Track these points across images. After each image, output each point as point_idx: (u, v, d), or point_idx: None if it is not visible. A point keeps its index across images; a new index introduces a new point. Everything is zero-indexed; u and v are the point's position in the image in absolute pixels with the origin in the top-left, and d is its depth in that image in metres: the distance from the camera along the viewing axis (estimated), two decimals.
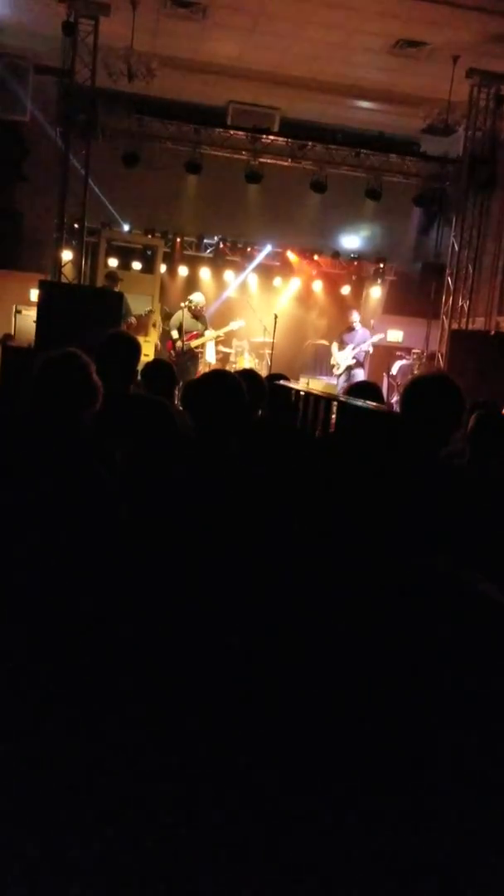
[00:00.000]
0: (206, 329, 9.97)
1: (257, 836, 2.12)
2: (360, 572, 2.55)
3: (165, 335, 11.30)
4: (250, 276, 13.82)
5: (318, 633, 2.59)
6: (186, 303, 10.33)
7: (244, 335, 12.49)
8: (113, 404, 2.90)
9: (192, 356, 9.90)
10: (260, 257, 13.48)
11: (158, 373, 4.65)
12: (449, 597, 2.51)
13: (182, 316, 10.04)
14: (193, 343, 9.86)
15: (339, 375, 11.36)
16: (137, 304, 11.44)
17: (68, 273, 10.90)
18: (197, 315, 9.90)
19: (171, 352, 9.76)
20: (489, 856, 1.98)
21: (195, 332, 9.88)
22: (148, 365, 4.82)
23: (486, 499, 3.04)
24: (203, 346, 10.15)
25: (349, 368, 11.29)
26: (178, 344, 9.79)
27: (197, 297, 10.14)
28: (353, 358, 11.33)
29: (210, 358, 11.84)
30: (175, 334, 9.86)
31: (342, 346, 11.47)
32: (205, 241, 13.44)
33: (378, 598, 2.49)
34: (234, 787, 2.23)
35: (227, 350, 12.25)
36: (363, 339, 11.43)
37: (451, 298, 11.89)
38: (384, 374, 12.31)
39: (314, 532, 2.89)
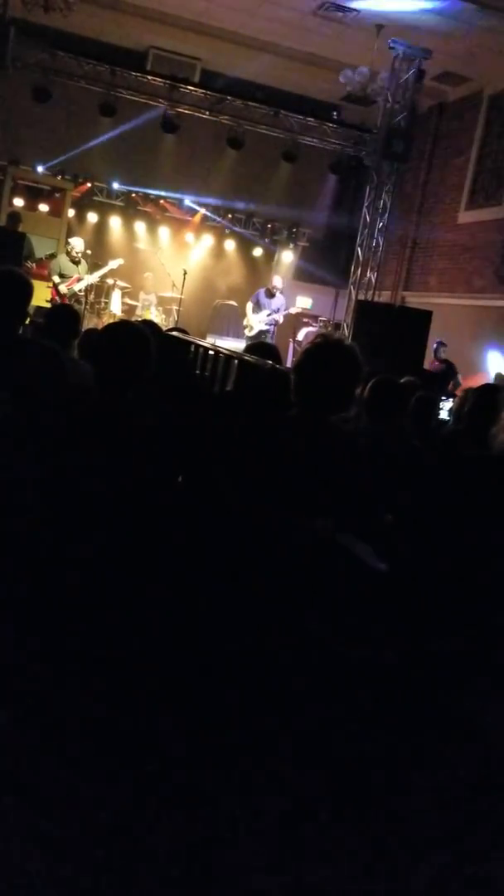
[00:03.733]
0: (86, 273, 9.87)
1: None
2: (240, 529, 2.55)
3: None
4: (161, 230, 13.57)
5: (195, 586, 2.59)
6: (65, 247, 10.20)
7: (152, 289, 12.27)
8: None
9: (77, 301, 9.74)
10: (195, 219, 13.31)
11: (60, 319, 4.49)
12: (324, 558, 2.54)
13: (60, 261, 9.88)
14: (76, 287, 9.71)
15: (251, 338, 11.25)
16: (42, 247, 11.05)
17: None
18: (75, 260, 9.77)
19: (56, 298, 9.57)
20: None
21: (76, 277, 9.75)
22: (52, 310, 4.66)
23: (373, 464, 3.09)
24: (86, 290, 10.03)
25: (262, 333, 11.22)
26: (62, 289, 9.62)
27: (75, 242, 10.00)
28: (268, 324, 11.27)
29: (115, 309, 11.61)
30: (57, 279, 9.69)
31: (258, 308, 11.35)
32: (116, 188, 13.08)
33: (255, 555, 2.50)
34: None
35: (133, 303, 12.03)
36: (279, 307, 11.39)
37: (359, 270, 11.99)
38: (290, 339, 12.38)
39: (198, 487, 2.87)
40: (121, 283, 11.65)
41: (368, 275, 11.86)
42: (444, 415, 6.28)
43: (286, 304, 11.65)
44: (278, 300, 11.37)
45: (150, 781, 2.09)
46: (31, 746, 2.12)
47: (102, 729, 2.20)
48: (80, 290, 9.78)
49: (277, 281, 11.60)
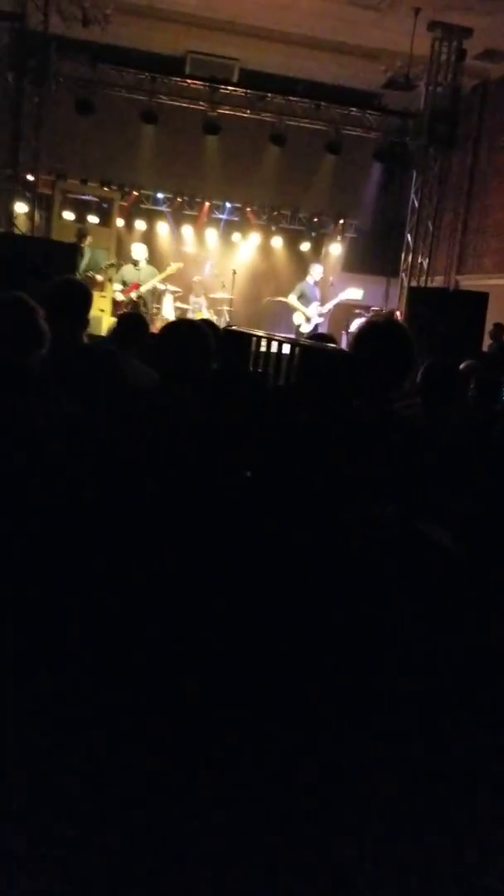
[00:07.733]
0: (149, 279, 9.98)
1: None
2: (311, 520, 2.54)
3: None
4: (209, 231, 13.63)
5: (268, 581, 2.59)
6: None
7: (201, 291, 12.34)
8: (61, 352, 2.83)
9: (135, 308, 9.84)
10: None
11: (125, 325, 4.57)
12: (400, 545, 2.52)
13: (124, 271, 10.05)
14: (133, 294, 9.83)
15: (304, 333, 11.13)
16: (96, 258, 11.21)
17: (21, 226, 10.63)
18: (137, 266, 9.93)
19: (123, 307, 9.74)
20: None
21: (135, 283, 9.88)
22: (119, 317, 4.78)
23: (437, 448, 3.05)
24: (144, 296, 10.12)
25: (318, 326, 11.12)
26: (117, 296, 9.81)
27: (135, 248, 10.14)
28: (321, 315, 11.16)
29: (168, 314, 11.71)
30: (118, 286, 9.86)
31: (305, 301, 11.22)
32: (161, 195, 13.19)
33: (329, 545, 2.49)
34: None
35: (184, 306, 12.11)
36: (327, 297, 11.27)
37: (410, 256, 11.87)
38: (342, 331, 12.29)
39: (267, 480, 2.87)
40: (171, 288, 11.75)
41: (420, 260, 11.72)
42: None
43: (318, 293, 11.51)
44: (319, 291, 11.26)
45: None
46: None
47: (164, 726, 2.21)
48: (136, 297, 9.89)
49: (318, 270, 11.40)
